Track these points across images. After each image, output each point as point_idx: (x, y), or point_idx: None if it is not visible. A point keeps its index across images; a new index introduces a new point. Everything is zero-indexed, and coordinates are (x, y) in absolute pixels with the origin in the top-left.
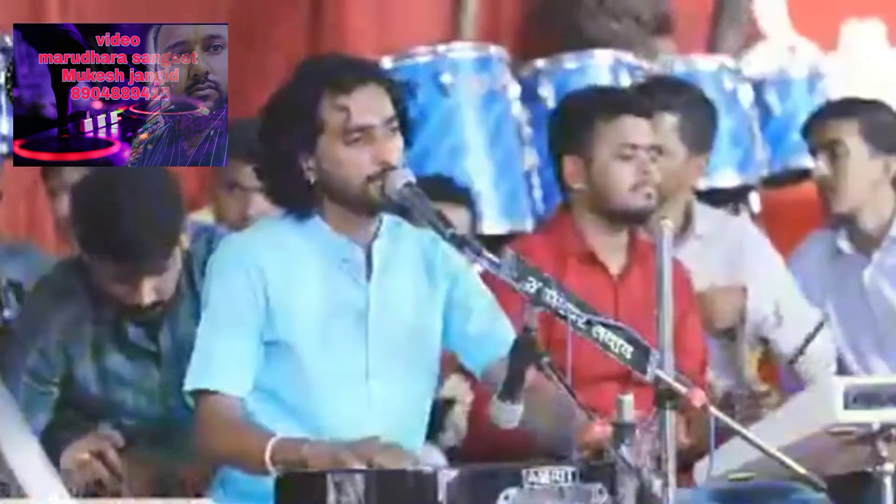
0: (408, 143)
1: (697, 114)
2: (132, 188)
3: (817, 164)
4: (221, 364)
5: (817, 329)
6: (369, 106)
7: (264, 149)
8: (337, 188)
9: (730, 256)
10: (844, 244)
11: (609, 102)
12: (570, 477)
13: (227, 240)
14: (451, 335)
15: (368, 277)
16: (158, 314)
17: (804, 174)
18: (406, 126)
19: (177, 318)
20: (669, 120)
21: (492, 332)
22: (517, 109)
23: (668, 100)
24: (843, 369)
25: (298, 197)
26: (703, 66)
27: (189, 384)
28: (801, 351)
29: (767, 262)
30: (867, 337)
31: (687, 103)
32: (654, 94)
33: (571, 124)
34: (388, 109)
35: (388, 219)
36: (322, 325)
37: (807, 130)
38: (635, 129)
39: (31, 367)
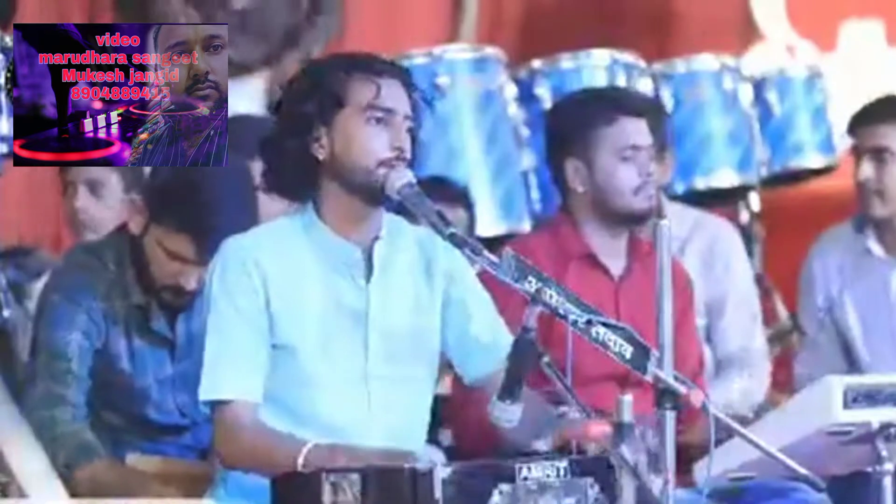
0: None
1: (654, 120)
2: (232, 175)
3: (862, 167)
4: (235, 371)
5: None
6: (399, 95)
7: (280, 120)
8: (345, 169)
9: (703, 251)
10: (875, 246)
11: (607, 105)
12: (562, 472)
13: (228, 243)
14: (449, 337)
15: (368, 279)
16: (184, 302)
17: (804, 174)
18: (414, 135)
19: (193, 308)
20: None
21: (493, 339)
22: (514, 110)
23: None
24: (856, 369)
25: (302, 175)
26: (702, 65)
27: (205, 394)
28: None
29: (735, 265)
30: (885, 339)
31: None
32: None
33: (570, 128)
34: (409, 109)
35: (388, 220)
36: (322, 327)
37: (852, 129)
38: (635, 130)
39: (81, 325)
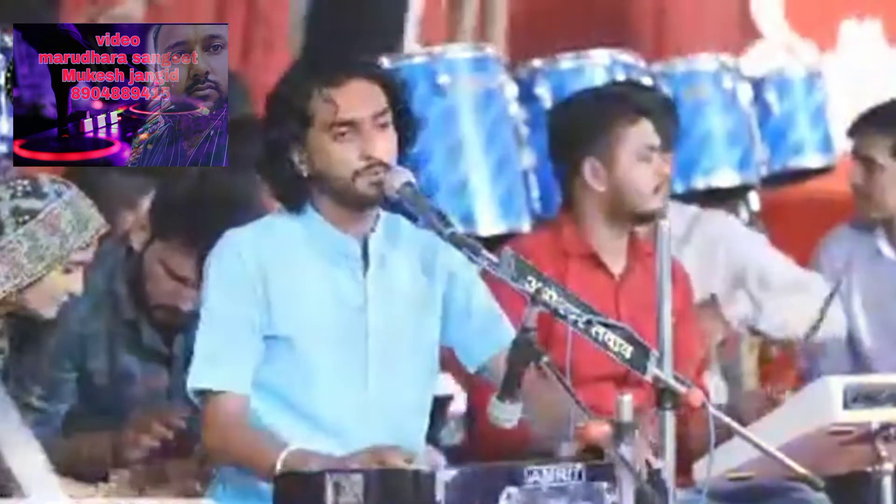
0: (408, 141)
1: (664, 115)
2: (243, 197)
3: (853, 172)
4: (225, 362)
5: (828, 302)
6: (357, 100)
7: (262, 141)
8: (327, 182)
9: (703, 249)
10: (885, 247)
11: (629, 105)
12: (575, 475)
13: (226, 236)
14: (449, 330)
15: (365, 272)
16: (177, 322)
17: (803, 174)
18: (405, 123)
19: (192, 323)
20: None
21: (491, 328)
22: (514, 109)
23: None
24: (862, 368)
25: (292, 190)
26: (702, 65)
27: (193, 383)
28: (815, 327)
29: (740, 245)
30: (893, 339)
31: (655, 105)
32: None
33: (591, 127)
34: (379, 104)
35: (385, 213)
36: (321, 320)
37: (851, 133)
38: (653, 130)
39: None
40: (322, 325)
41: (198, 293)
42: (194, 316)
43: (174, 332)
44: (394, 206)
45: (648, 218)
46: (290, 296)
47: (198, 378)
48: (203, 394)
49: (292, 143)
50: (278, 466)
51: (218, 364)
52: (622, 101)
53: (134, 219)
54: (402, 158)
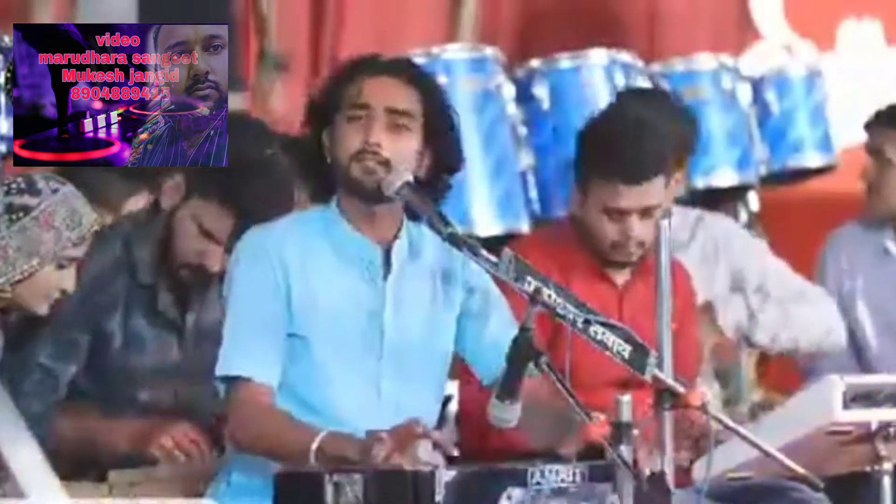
0: (438, 154)
1: (681, 128)
2: (284, 172)
3: (865, 167)
4: (254, 352)
5: None
6: (382, 91)
7: (304, 128)
8: (336, 166)
9: (706, 252)
10: (893, 246)
11: (638, 163)
12: (578, 476)
13: (252, 232)
14: (466, 342)
15: (385, 278)
16: (195, 287)
17: (803, 173)
18: (434, 136)
19: (207, 299)
20: None
21: (506, 340)
22: (512, 110)
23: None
24: (866, 367)
25: (319, 176)
26: (701, 64)
27: (221, 370)
28: None
29: (742, 252)
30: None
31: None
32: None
33: (579, 160)
34: (400, 102)
35: (409, 222)
36: (338, 322)
37: (866, 127)
38: (627, 196)
39: (62, 314)
40: (338, 328)
41: (225, 258)
42: (218, 279)
43: (192, 299)
44: (416, 215)
45: (616, 264)
46: (310, 296)
47: (225, 365)
48: (232, 381)
49: (323, 122)
50: (313, 450)
51: (246, 353)
52: (630, 151)
53: (170, 182)
54: (439, 175)
